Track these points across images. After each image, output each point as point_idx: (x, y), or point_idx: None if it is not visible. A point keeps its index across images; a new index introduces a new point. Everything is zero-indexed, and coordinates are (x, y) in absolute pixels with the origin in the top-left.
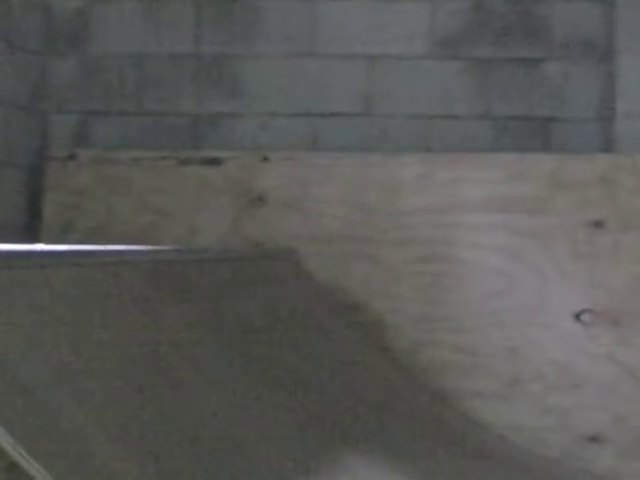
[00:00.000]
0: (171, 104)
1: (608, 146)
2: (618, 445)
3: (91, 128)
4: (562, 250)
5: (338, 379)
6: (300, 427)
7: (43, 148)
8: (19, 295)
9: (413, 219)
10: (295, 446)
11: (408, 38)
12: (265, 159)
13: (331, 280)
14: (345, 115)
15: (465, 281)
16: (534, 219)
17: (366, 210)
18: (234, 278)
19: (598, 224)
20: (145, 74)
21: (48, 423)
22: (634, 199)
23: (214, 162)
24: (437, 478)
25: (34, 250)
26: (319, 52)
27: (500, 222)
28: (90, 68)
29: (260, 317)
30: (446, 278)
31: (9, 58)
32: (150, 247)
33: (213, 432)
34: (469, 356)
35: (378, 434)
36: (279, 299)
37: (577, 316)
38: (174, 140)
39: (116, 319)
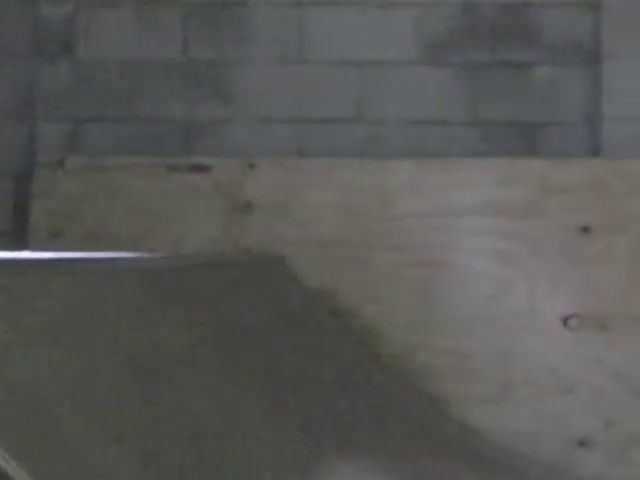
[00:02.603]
0: (162, 110)
1: (596, 150)
2: (608, 449)
3: (82, 135)
4: (552, 254)
5: (333, 382)
6: (298, 429)
7: (32, 155)
8: (18, 298)
9: (405, 224)
10: (293, 447)
11: (398, 44)
12: (251, 166)
13: (323, 285)
14: (336, 121)
15: (457, 285)
16: (525, 223)
17: (358, 215)
18: (224, 283)
19: (588, 228)
20: (135, 80)
21: (47, 424)
22: (624, 203)
23: (202, 169)
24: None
25: (32, 258)
26: (309, 58)
27: (491, 226)
28: (80, 74)
29: (253, 321)
30: (438, 282)
31: None
32: (140, 253)
33: (212, 433)
34: (461, 360)
35: (375, 436)
36: (269, 304)
37: (565, 321)
38: (166, 146)
39: (113, 322)
